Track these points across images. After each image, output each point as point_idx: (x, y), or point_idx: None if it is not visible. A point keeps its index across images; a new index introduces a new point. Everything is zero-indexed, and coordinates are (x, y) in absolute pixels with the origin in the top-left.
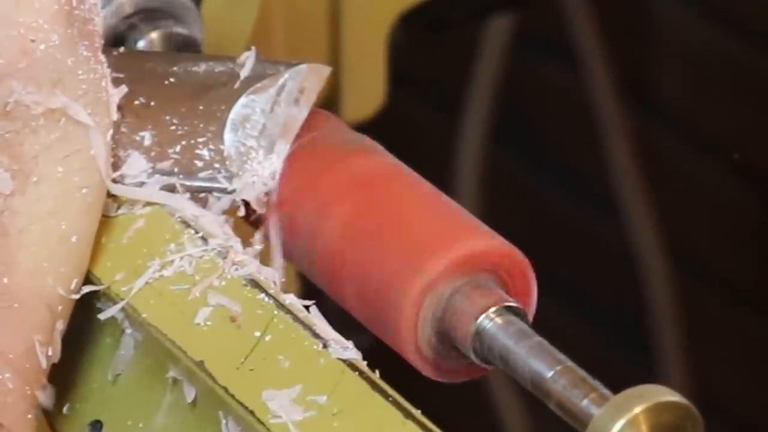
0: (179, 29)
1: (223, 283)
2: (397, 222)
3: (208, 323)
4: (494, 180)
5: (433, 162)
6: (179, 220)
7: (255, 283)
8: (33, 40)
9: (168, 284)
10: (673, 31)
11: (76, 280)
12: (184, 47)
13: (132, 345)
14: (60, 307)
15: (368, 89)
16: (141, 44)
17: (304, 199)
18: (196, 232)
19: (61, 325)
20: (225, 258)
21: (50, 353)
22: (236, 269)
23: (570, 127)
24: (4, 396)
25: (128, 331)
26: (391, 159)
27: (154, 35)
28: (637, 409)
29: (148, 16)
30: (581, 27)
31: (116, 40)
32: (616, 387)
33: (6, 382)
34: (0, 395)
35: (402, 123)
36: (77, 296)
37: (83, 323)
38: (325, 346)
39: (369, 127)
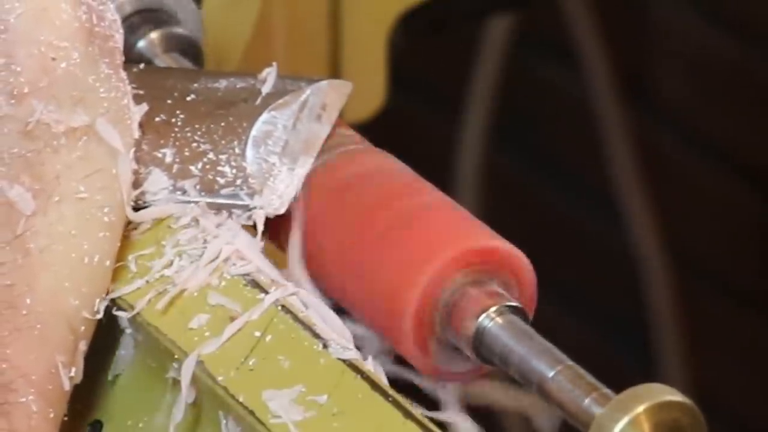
0: (179, 30)
1: (223, 283)
2: (399, 222)
3: (208, 323)
4: (494, 180)
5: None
6: (180, 220)
7: (255, 283)
8: (54, 59)
9: (168, 284)
10: (673, 31)
11: (98, 300)
12: (185, 48)
13: (132, 345)
14: (82, 328)
15: (368, 89)
16: (141, 44)
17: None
18: (197, 232)
19: (83, 346)
20: (225, 258)
21: (72, 374)
22: (236, 269)
23: (570, 127)
24: (28, 419)
25: (128, 331)
26: (391, 158)
27: (154, 35)
28: (639, 409)
29: (148, 17)
30: (581, 27)
31: None
32: (615, 387)
33: (30, 405)
34: (24, 418)
35: (402, 123)
36: (99, 316)
37: None
38: (325, 346)
39: (369, 127)
